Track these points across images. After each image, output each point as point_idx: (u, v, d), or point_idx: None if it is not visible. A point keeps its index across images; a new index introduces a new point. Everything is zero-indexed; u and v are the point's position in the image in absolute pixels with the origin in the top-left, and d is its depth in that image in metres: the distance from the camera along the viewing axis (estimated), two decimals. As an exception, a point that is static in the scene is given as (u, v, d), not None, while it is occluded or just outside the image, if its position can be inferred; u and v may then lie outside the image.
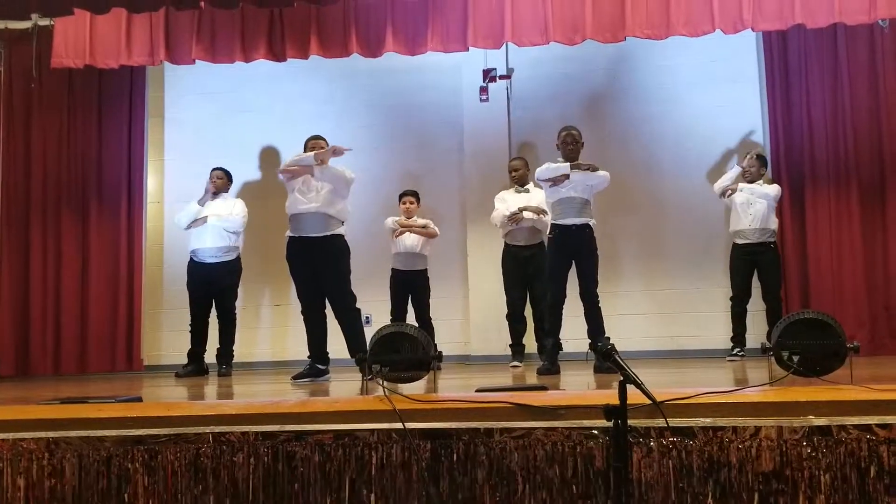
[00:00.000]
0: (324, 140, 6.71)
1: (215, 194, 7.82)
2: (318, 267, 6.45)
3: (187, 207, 7.81)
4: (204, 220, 7.66)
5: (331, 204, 6.47)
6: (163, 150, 9.21)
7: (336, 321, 6.59)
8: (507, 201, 7.66)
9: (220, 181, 7.88)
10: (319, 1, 7.31)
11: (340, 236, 6.55)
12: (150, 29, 7.71)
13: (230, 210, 7.76)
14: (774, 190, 7.64)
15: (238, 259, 7.82)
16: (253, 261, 8.24)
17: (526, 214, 7.45)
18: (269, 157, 9.10)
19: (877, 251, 7.85)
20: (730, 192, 7.69)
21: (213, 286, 7.70)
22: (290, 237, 6.58)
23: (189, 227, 7.76)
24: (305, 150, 6.66)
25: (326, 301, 6.60)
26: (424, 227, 7.78)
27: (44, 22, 8.16)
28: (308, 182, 6.52)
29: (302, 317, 6.63)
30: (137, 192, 8.94)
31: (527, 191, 7.68)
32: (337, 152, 6.47)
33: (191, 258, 7.77)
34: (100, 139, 8.89)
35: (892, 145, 7.85)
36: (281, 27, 7.67)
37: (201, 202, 7.70)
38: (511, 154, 8.48)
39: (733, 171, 7.78)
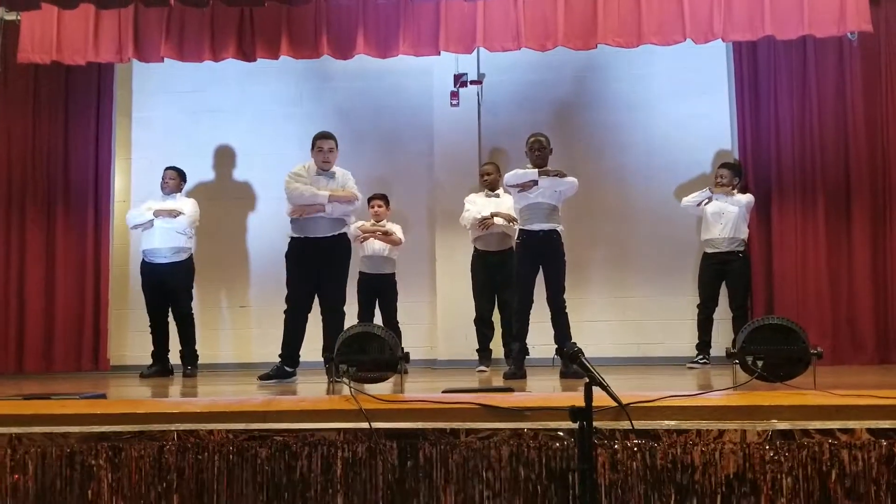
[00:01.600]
0: (333, 140, 6.74)
1: (168, 194, 7.77)
2: (320, 266, 6.51)
3: (142, 207, 7.77)
4: (150, 223, 7.57)
5: (335, 208, 6.56)
6: (130, 149, 9.12)
7: (310, 326, 6.62)
8: (478, 204, 7.66)
9: (173, 181, 7.79)
10: (290, 1, 7.29)
11: (345, 236, 6.70)
12: (119, 25, 7.60)
13: (179, 208, 7.69)
14: (746, 198, 7.69)
15: (190, 259, 7.74)
16: (211, 262, 8.20)
17: (497, 220, 7.46)
18: (236, 158, 9.05)
19: (841, 262, 7.92)
20: (706, 201, 7.72)
21: (166, 287, 7.63)
22: (294, 237, 6.65)
23: (136, 227, 7.71)
24: (313, 149, 6.75)
25: (312, 307, 6.63)
26: (387, 233, 7.75)
27: (10, 16, 8.03)
28: (314, 185, 6.62)
29: (284, 316, 6.62)
30: (104, 191, 8.84)
31: (497, 195, 7.68)
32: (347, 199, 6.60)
33: (143, 259, 7.70)
34: (66, 137, 8.76)
35: (858, 158, 7.92)
36: (251, 27, 7.60)
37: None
38: (481, 159, 8.50)
39: (702, 193, 7.81)
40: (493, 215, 7.45)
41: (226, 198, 8.68)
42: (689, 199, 7.82)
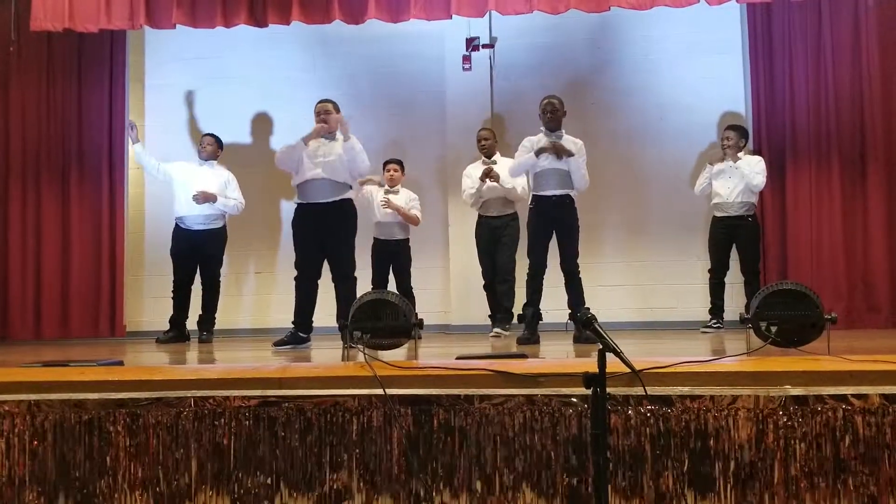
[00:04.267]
0: (331, 103, 6.74)
1: (205, 160, 7.82)
2: (325, 233, 6.52)
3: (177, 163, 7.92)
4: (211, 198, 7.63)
5: (336, 171, 6.55)
6: (143, 116, 9.12)
7: (323, 292, 6.64)
8: (472, 177, 7.66)
9: (210, 147, 7.85)
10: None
11: (349, 201, 6.66)
12: (131, -8, 7.62)
13: (221, 184, 7.74)
14: (755, 160, 7.62)
15: (224, 227, 7.83)
16: (235, 228, 8.23)
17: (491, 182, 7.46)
18: (249, 124, 9.05)
19: (856, 224, 7.90)
20: (710, 173, 7.71)
21: (199, 253, 7.70)
22: (298, 204, 6.68)
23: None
24: (315, 116, 6.73)
25: (321, 273, 6.64)
26: (408, 208, 7.74)
27: (23, -15, 8.05)
28: (316, 150, 6.61)
29: (294, 283, 6.66)
30: (118, 158, 8.86)
31: (494, 162, 7.64)
32: (333, 123, 6.59)
33: (176, 224, 7.75)
34: (80, 104, 8.80)
35: (873, 120, 7.88)
36: (262, -8, 7.60)
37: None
38: (493, 123, 8.47)
39: (705, 172, 7.76)
40: (487, 172, 7.44)
41: (236, 163, 8.65)
42: (699, 184, 7.82)
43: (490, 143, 7.70)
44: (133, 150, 8.02)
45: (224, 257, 7.99)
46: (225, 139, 8.35)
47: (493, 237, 7.56)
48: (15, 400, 3.75)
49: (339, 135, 6.69)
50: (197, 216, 7.64)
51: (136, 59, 9.14)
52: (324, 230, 6.53)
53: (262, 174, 8.49)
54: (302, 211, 6.66)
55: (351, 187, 6.70)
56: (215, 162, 7.89)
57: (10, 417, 3.72)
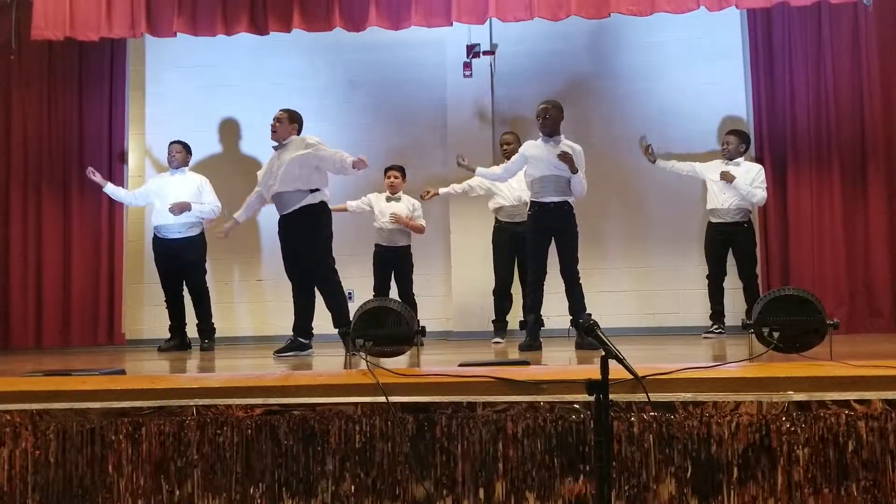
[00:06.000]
0: (286, 112, 6.75)
1: (175, 168, 7.81)
2: (294, 242, 6.51)
3: (143, 189, 8.01)
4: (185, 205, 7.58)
5: (286, 182, 6.49)
6: (144, 124, 9.14)
7: (320, 298, 6.64)
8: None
9: (179, 155, 7.81)
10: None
11: (312, 206, 6.53)
12: (131, 0, 7.61)
13: (195, 190, 7.71)
14: (755, 170, 7.63)
15: (202, 234, 7.78)
16: (249, 234, 8.26)
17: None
18: (249, 132, 9.05)
19: (857, 229, 7.90)
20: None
21: (179, 262, 7.67)
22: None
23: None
24: None
25: (308, 278, 6.64)
26: (417, 228, 7.77)
27: (24, -7, 8.06)
28: (270, 166, 6.66)
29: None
30: (118, 167, 8.89)
31: None
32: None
33: (154, 234, 7.76)
34: (80, 112, 8.83)
35: (873, 124, 7.89)
36: (263, 0, 7.60)
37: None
38: (495, 130, 8.47)
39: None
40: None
41: (239, 171, 8.68)
42: (679, 164, 7.92)
43: (513, 146, 7.63)
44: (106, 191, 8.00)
45: (217, 266, 7.97)
46: (224, 147, 8.38)
47: (516, 244, 7.43)
48: (18, 409, 3.74)
49: (286, 141, 6.62)
50: (173, 225, 7.61)
51: (137, 67, 9.15)
52: (291, 239, 6.55)
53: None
54: (279, 223, 6.68)
55: (311, 191, 6.52)
56: (186, 168, 7.87)
57: (12, 427, 3.72)
